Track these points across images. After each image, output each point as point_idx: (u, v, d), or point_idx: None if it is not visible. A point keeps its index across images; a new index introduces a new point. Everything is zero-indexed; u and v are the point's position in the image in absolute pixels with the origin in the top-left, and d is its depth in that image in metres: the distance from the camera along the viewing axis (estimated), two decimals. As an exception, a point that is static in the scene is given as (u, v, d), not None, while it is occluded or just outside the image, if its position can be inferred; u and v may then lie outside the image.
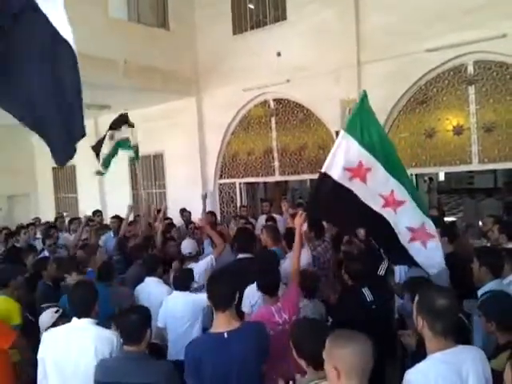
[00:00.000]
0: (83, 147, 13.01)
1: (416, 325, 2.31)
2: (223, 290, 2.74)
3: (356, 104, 3.97)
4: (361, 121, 3.71)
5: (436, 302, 2.20)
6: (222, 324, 2.71)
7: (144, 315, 2.85)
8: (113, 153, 7.66)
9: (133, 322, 2.75)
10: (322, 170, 3.73)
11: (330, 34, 8.24)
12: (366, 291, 3.80)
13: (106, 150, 7.61)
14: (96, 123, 12.43)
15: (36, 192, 14.33)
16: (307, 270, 4.49)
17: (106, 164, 7.70)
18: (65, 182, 13.94)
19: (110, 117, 11.84)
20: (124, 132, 7.48)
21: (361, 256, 4.70)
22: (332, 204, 3.76)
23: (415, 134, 7.86)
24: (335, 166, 3.67)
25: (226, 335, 2.66)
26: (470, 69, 7.27)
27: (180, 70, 9.86)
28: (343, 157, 3.65)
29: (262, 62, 9.17)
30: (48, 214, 12.62)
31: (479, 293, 3.39)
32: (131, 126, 7.47)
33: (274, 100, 9.50)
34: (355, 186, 3.67)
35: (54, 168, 13.93)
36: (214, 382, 2.64)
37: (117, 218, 7.95)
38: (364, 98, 3.84)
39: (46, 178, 14.17)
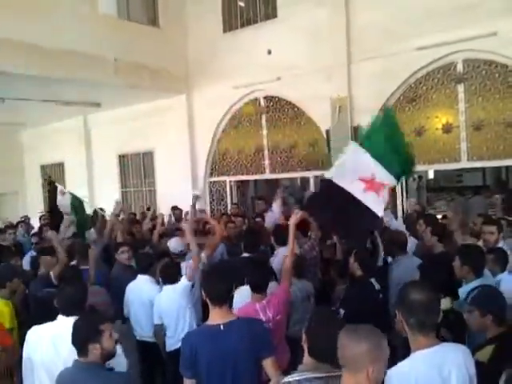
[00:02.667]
0: (72, 144, 12.94)
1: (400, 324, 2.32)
2: (219, 286, 2.80)
3: (377, 118, 4.06)
4: (384, 134, 3.86)
5: (411, 297, 2.22)
6: (218, 317, 2.77)
7: (88, 327, 2.60)
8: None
9: (75, 333, 2.56)
10: (330, 177, 3.98)
11: (321, 32, 8.24)
12: (374, 281, 3.99)
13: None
14: (85, 120, 12.36)
15: (25, 190, 14.22)
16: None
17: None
18: (53, 179, 13.82)
19: (100, 114, 11.93)
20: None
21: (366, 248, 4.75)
22: (335, 210, 3.93)
23: (405, 132, 7.85)
24: (345, 176, 3.89)
25: (222, 327, 2.71)
26: (460, 67, 7.31)
27: (170, 68, 9.82)
28: (355, 167, 3.86)
29: (253, 60, 9.15)
30: (37, 212, 12.52)
31: (461, 291, 3.38)
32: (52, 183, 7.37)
33: (265, 98, 9.49)
34: (369, 198, 3.84)
35: (42, 166, 13.83)
36: (210, 374, 2.68)
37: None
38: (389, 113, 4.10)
39: (34, 175, 14.05)
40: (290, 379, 2.20)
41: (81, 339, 2.54)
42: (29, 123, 12.75)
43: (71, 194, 7.09)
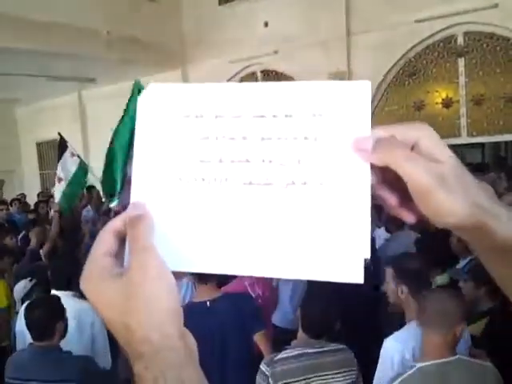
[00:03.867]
0: (67, 122, 12.77)
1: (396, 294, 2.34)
2: None
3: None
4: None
5: (410, 265, 2.29)
6: (205, 294, 2.77)
7: (53, 307, 2.60)
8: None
9: (40, 317, 2.51)
10: None
11: (319, 3, 8.05)
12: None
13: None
14: (80, 96, 12.17)
15: (20, 168, 14.09)
16: None
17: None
18: (50, 157, 13.71)
19: (95, 91, 11.73)
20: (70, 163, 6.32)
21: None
22: None
23: (404, 106, 7.78)
24: None
25: (208, 304, 2.72)
26: (460, 40, 7.16)
27: (165, 42, 9.62)
28: None
29: (249, 33, 8.95)
30: (34, 190, 12.43)
31: (459, 267, 3.36)
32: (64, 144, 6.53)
33: (262, 72, 9.33)
34: None
35: (38, 143, 13.68)
36: (199, 351, 2.62)
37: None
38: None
39: (30, 154, 13.91)
40: (280, 356, 2.17)
41: (49, 324, 2.50)
42: (23, 100, 12.55)
43: (80, 159, 6.50)
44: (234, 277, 3.34)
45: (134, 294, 0.47)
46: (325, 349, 2.16)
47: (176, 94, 0.56)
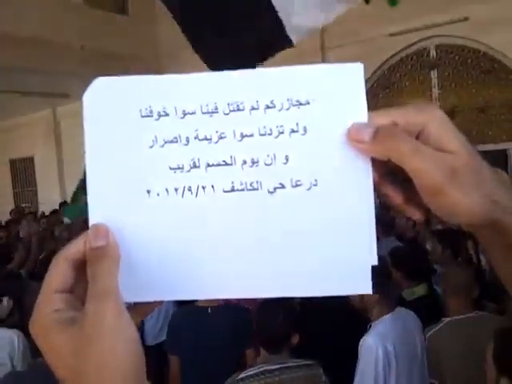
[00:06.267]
0: (41, 138, 12.55)
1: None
2: None
3: None
4: None
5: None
6: (207, 300, 2.70)
7: None
8: None
9: None
10: None
11: (294, 18, 8.12)
12: None
13: None
14: (54, 112, 12.00)
15: (-7, 186, 13.78)
16: None
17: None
18: (23, 174, 13.44)
19: (69, 107, 11.56)
20: None
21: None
22: None
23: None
24: None
25: (209, 310, 2.73)
26: (433, 53, 7.30)
27: (141, 56, 9.57)
28: None
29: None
30: (6, 207, 12.15)
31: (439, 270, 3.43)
32: None
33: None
34: None
35: (11, 160, 13.42)
36: (194, 354, 2.70)
37: None
38: None
39: (3, 170, 13.61)
40: (242, 375, 2.06)
41: None
42: (-5, 116, 12.32)
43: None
44: None
45: (84, 350, 0.40)
46: (288, 364, 2.07)
47: (132, 89, 0.47)
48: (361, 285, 0.45)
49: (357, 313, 2.49)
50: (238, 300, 3.33)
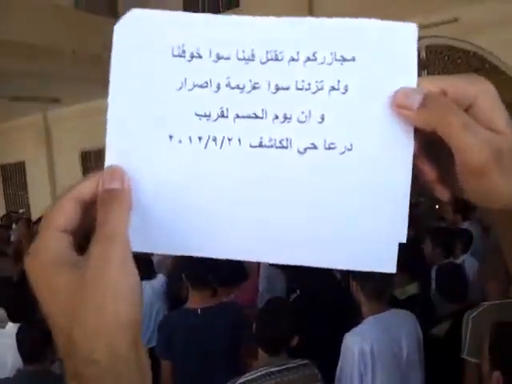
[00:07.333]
0: (31, 143, 12.51)
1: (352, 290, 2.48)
2: (200, 270, 2.73)
3: None
4: None
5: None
6: (197, 301, 2.73)
7: (45, 331, 2.50)
8: None
9: (33, 340, 2.35)
10: None
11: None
12: None
13: None
14: (45, 117, 11.93)
15: (-16, 191, 13.68)
16: None
17: None
18: (14, 179, 13.36)
19: (60, 111, 11.50)
20: None
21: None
22: None
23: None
24: None
25: (199, 311, 2.68)
26: (423, 54, 7.34)
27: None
28: None
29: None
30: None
31: (433, 273, 3.41)
32: None
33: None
34: None
35: (2, 166, 13.34)
36: (186, 358, 2.64)
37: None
38: None
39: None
40: (242, 380, 2.04)
41: (41, 347, 2.33)
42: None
43: None
44: (233, 284, 3.31)
45: (85, 292, 0.37)
46: (288, 366, 2.07)
47: (167, 25, 0.42)
48: (385, 262, 0.43)
49: (354, 312, 2.51)
50: (234, 299, 3.34)
